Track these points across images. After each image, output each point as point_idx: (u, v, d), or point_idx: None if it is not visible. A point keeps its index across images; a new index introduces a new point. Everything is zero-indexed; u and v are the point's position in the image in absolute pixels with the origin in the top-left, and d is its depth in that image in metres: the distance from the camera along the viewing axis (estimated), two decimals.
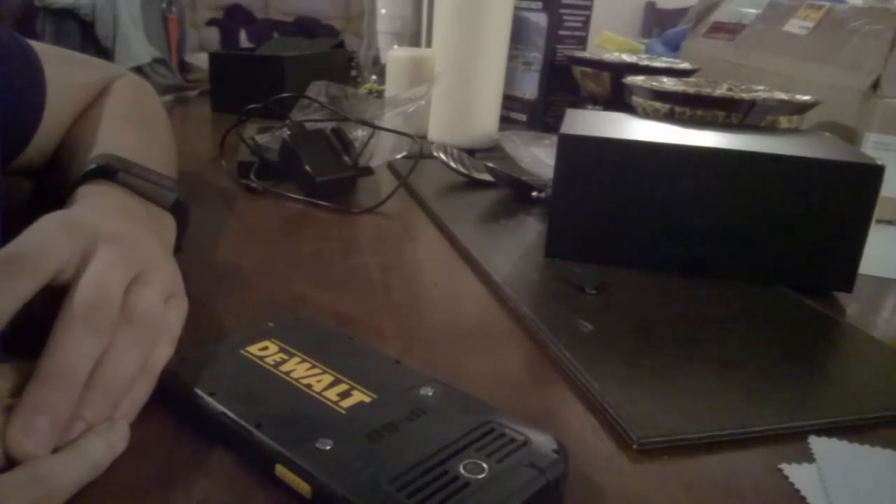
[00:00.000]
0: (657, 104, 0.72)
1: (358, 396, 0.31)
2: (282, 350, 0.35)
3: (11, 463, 0.26)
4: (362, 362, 0.35)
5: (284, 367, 0.34)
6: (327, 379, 0.33)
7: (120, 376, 0.30)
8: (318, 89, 0.79)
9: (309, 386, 0.32)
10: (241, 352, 0.35)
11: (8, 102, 0.49)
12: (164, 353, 0.34)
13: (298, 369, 0.33)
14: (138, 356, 0.31)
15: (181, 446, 0.31)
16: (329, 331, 0.39)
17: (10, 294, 0.28)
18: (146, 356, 0.32)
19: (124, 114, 0.55)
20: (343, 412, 0.30)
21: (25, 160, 0.53)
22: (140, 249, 0.35)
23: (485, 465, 0.27)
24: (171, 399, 0.33)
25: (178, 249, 0.48)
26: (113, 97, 0.57)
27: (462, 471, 0.27)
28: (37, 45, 0.54)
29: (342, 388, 0.32)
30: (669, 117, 0.70)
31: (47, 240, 0.31)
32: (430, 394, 0.32)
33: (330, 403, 0.31)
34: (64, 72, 0.55)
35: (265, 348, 0.35)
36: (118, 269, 0.32)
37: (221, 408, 0.30)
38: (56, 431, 0.27)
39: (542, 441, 0.29)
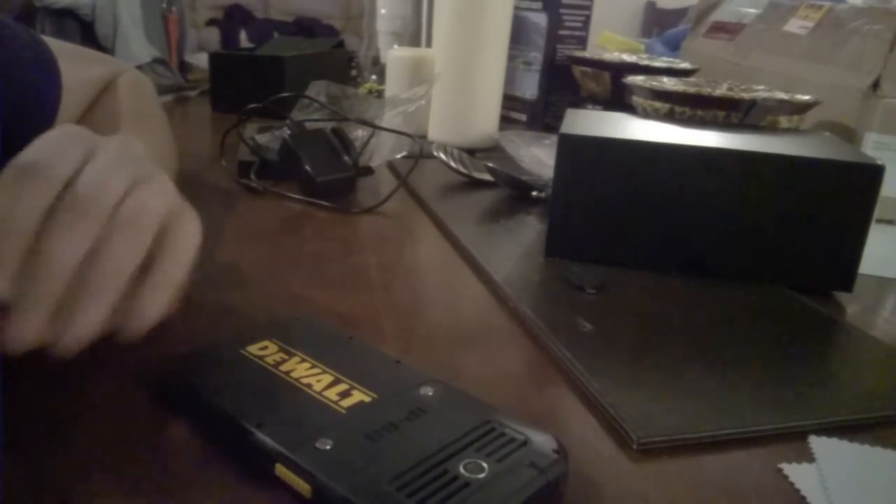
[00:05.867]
0: (657, 104, 0.72)
1: (358, 396, 0.31)
2: (282, 350, 0.35)
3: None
4: (362, 362, 0.35)
5: (284, 367, 0.34)
6: (327, 378, 0.33)
7: (108, 276, 0.30)
8: (318, 89, 0.79)
9: (309, 385, 0.32)
10: (242, 351, 0.35)
11: (25, 100, 0.49)
12: (172, 268, 0.32)
13: (298, 369, 0.33)
14: (131, 256, 0.30)
15: (181, 446, 0.31)
16: (329, 331, 0.39)
17: (31, 202, 0.29)
18: (140, 259, 0.31)
19: (123, 113, 0.55)
20: (343, 412, 0.30)
21: None
22: (139, 160, 0.34)
23: (485, 465, 0.27)
24: (172, 399, 0.33)
25: None
26: (114, 95, 0.57)
27: (462, 470, 0.27)
28: (49, 41, 0.54)
29: (342, 387, 0.32)
30: (669, 117, 0.70)
31: (58, 148, 0.31)
32: (430, 394, 0.32)
33: (330, 403, 0.31)
34: (74, 68, 0.55)
35: (265, 348, 0.35)
36: (117, 171, 0.32)
37: (221, 408, 0.30)
38: (46, 326, 0.28)
39: (542, 441, 0.29)
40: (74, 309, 0.29)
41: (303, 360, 0.34)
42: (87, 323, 0.29)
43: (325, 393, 0.32)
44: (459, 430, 0.29)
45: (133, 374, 0.35)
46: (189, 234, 0.34)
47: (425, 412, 0.31)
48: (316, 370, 0.33)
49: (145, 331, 0.31)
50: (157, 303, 0.31)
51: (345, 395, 0.32)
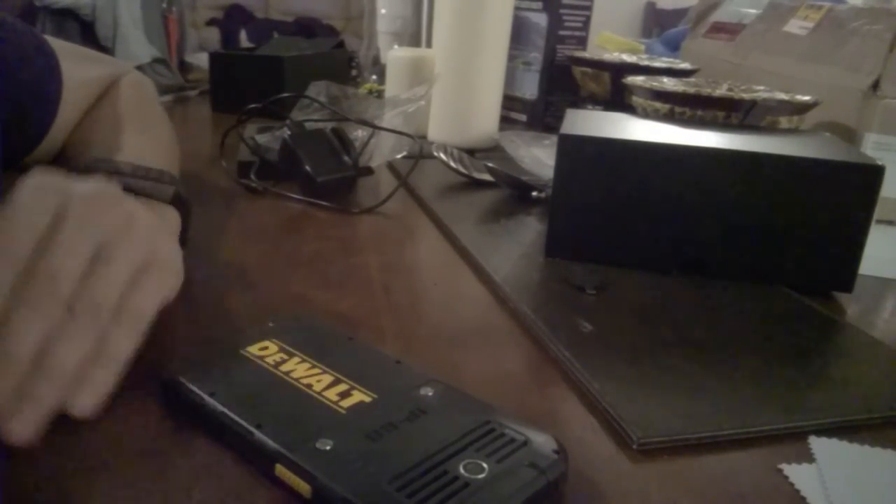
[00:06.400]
0: (657, 104, 0.72)
1: (358, 396, 0.32)
2: (282, 350, 0.35)
3: None
4: (362, 362, 0.35)
5: (284, 367, 0.34)
6: (327, 379, 0.33)
7: (64, 363, 0.29)
8: (318, 89, 0.79)
9: (309, 386, 0.32)
10: (242, 352, 0.35)
11: (25, 97, 0.49)
12: (122, 340, 0.31)
13: (298, 369, 0.33)
14: (86, 342, 0.30)
15: (181, 446, 0.31)
16: (329, 331, 0.39)
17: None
18: (99, 342, 0.30)
19: (126, 114, 0.55)
20: (343, 412, 0.30)
21: (34, 157, 0.53)
22: (114, 212, 0.33)
23: (485, 465, 0.27)
24: (172, 399, 0.33)
25: (183, 243, 0.47)
26: (116, 97, 0.57)
27: (462, 471, 0.27)
28: (50, 41, 0.54)
29: (342, 388, 0.32)
30: (669, 117, 0.70)
31: (26, 216, 0.30)
32: (430, 394, 0.32)
33: (330, 403, 0.31)
34: (75, 68, 0.55)
35: (265, 348, 0.35)
36: (80, 245, 0.31)
37: (221, 408, 0.30)
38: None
39: (542, 441, 0.29)
40: (24, 399, 0.28)
41: (303, 361, 0.34)
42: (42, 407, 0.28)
43: (325, 393, 0.32)
44: (459, 431, 0.29)
45: (133, 375, 0.35)
46: (147, 299, 0.33)
47: (425, 412, 0.31)
48: (316, 370, 0.33)
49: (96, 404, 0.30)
50: (105, 376, 0.30)
51: (345, 395, 0.32)
